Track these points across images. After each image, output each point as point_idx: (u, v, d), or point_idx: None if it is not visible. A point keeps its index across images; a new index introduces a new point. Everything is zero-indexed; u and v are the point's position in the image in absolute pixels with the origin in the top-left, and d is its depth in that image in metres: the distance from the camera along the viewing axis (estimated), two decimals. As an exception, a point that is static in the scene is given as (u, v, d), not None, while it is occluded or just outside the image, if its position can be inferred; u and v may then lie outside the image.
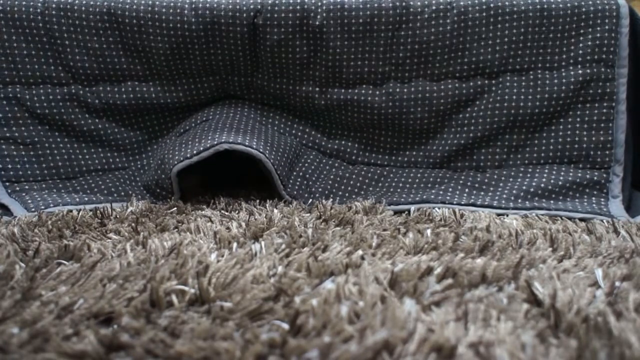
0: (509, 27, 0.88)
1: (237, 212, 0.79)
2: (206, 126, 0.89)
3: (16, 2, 0.89)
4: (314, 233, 0.63)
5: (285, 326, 0.37)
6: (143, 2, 0.89)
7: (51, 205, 0.83)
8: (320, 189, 0.91)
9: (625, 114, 0.87)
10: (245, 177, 1.04)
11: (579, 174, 0.87)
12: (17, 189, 0.89)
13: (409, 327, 0.36)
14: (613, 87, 0.87)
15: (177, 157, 0.84)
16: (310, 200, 0.87)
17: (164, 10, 0.88)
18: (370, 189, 0.92)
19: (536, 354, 0.34)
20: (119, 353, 0.34)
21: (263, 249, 0.56)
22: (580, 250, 0.58)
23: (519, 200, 0.84)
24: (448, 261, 0.51)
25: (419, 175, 0.93)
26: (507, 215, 0.79)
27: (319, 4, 0.88)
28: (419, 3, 0.88)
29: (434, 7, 0.88)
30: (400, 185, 0.91)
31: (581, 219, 0.78)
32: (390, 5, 0.88)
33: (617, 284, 0.46)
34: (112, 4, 0.89)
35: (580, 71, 0.88)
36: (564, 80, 0.88)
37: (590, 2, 0.87)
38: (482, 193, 0.87)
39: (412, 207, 0.82)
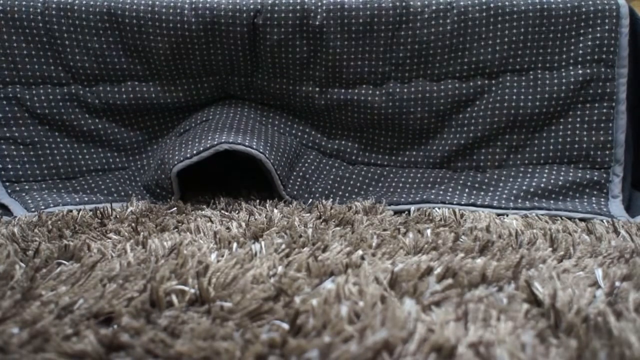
0: (509, 27, 0.88)
1: (237, 212, 0.79)
2: (206, 126, 0.89)
3: (16, 2, 0.89)
4: (314, 233, 0.63)
5: (285, 326, 0.37)
6: (143, 2, 0.89)
7: (51, 205, 0.83)
8: (320, 189, 0.90)
9: (625, 114, 0.87)
10: (245, 177, 1.04)
11: (579, 174, 0.87)
12: (17, 189, 0.89)
13: (409, 327, 0.36)
14: (613, 87, 0.87)
15: (177, 157, 0.84)
16: (310, 200, 0.87)
17: (164, 10, 0.88)
18: (370, 189, 0.92)
19: (536, 354, 0.34)
20: (119, 353, 0.34)
21: (263, 249, 0.56)
22: (580, 250, 0.58)
23: (519, 200, 0.84)
24: (448, 261, 0.51)
25: (419, 175, 0.93)
26: (507, 215, 0.79)
27: (319, 4, 0.88)
28: (419, 3, 0.88)
29: (434, 7, 0.88)
30: (400, 185, 0.91)
31: (581, 219, 0.78)
32: (390, 5, 0.88)
33: (617, 284, 0.46)
34: (112, 4, 0.89)
35: (580, 71, 0.88)
36: (564, 80, 0.88)
37: (590, 2, 0.87)
38: (482, 193, 0.87)
39: (412, 207, 0.82)
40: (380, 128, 0.95)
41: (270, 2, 0.88)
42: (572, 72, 0.88)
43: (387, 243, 0.59)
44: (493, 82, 0.90)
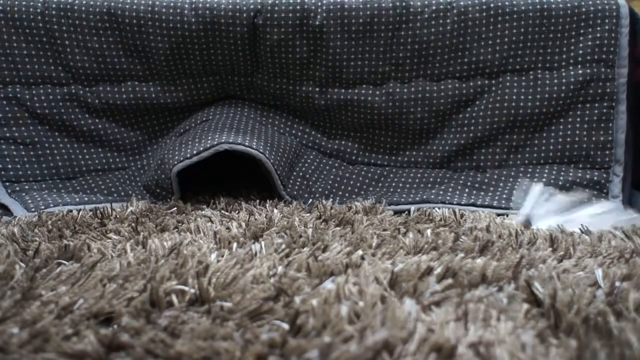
0: (509, 27, 0.88)
1: (237, 212, 0.79)
2: (206, 126, 0.89)
3: (16, 2, 0.89)
4: (314, 233, 0.63)
5: (285, 326, 0.37)
6: (143, 2, 0.89)
7: (51, 205, 0.83)
8: (320, 189, 0.90)
9: (625, 114, 0.87)
10: (245, 177, 1.04)
11: (579, 174, 0.87)
12: (17, 189, 0.89)
13: (409, 327, 0.36)
14: (613, 87, 0.87)
15: (177, 157, 0.84)
16: (310, 200, 0.87)
17: (164, 10, 0.88)
18: (370, 189, 0.92)
19: (536, 354, 0.34)
20: (119, 353, 0.34)
21: (263, 249, 0.56)
22: (580, 250, 0.58)
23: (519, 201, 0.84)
24: (448, 261, 0.51)
25: (418, 175, 0.93)
26: (507, 215, 0.79)
27: (319, 4, 0.88)
28: (419, 3, 0.88)
29: (434, 7, 0.88)
30: (400, 185, 0.91)
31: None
32: (390, 5, 0.88)
33: (617, 284, 0.46)
34: (112, 4, 0.89)
35: (580, 71, 0.88)
36: (564, 81, 0.88)
37: (590, 2, 0.87)
38: (482, 193, 0.87)
39: (412, 207, 0.82)
40: (380, 128, 0.95)
41: (270, 2, 0.88)
42: (572, 72, 0.88)
43: (387, 243, 0.59)
44: (493, 82, 0.90)
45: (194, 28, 0.88)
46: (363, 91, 0.93)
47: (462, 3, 0.88)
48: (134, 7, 0.89)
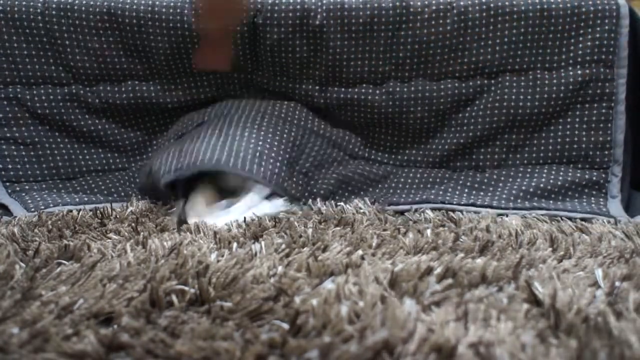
0: (508, 27, 0.88)
1: (237, 212, 0.78)
2: (197, 134, 0.86)
3: (16, 2, 0.89)
4: (314, 233, 0.63)
5: (285, 326, 0.37)
6: (143, 1, 0.89)
7: (51, 205, 0.83)
8: (322, 191, 0.90)
9: (624, 115, 0.87)
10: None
11: (578, 174, 0.87)
12: (17, 189, 0.89)
13: (409, 327, 0.36)
14: (612, 88, 0.87)
15: (162, 169, 0.81)
16: (310, 200, 0.87)
17: (164, 10, 0.88)
18: (371, 189, 0.92)
19: (536, 354, 0.34)
20: (119, 353, 0.34)
21: (263, 249, 0.56)
22: (580, 250, 0.58)
23: (519, 200, 0.84)
24: (448, 261, 0.51)
25: (418, 175, 0.93)
26: (507, 216, 0.79)
27: (319, 3, 0.88)
28: (419, 3, 0.88)
29: (434, 7, 0.88)
30: (400, 185, 0.91)
31: (582, 219, 0.78)
32: (391, 5, 0.88)
33: (617, 284, 0.46)
34: (112, 3, 0.89)
35: (580, 71, 0.88)
36: (563, 81, 0.88)
37: (590, 2, 0.87)
38: (482, 193, 0.87)
39: (412, 207, 0.82)
40: (381, 126, 0.95)
41: (270, 1, 0.88)
42: (571, 73, 0.88)
43: (387, 243, 0.59)
44: (492, 82, 0.90)
45: (193, 27, 0.88)
46: (363, 90, 0.93)
47: (462, 3, 0.88)
48: (134, 6, 0.89)
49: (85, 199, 0.87)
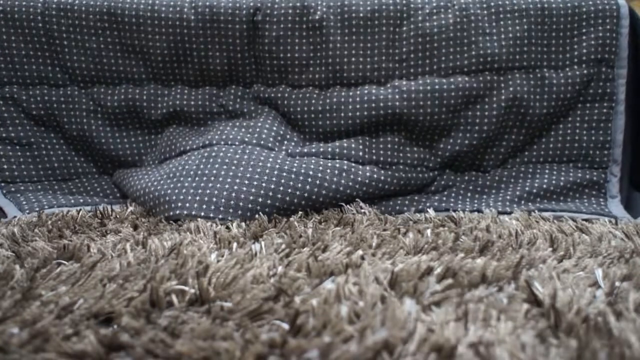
0: (511, 24, 0.87)
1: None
2: (179, 168, 0.82)
3: (16, 2, 0.89)
4: (314, 233, 0.63)
5: (285, 326, 0.37)
6: (143, 0, 0.89)
7: (46, 206, 0.83)
8: None
9: (623, 115, 0.87)
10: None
11: (579, 174, 0.87)
12: (12, 189, 0.88)
13: (409, 327, 0.36)
14: (613, 88, 0.87)
15: (141, 199, 0.80)
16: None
17: (163, 8, 0.88)
18: (371, 189, 0.91)
19: (536, 354, 0.34)
20: (119, 353, 0.34)
21: (263, 249, 0.56)
22: (580, 250, 0.58)
23: (523, 202, 0.84)
24: (448, 261, 0.51)
25: (420, 177, 0.91)
26: (510, 214, 0.79)
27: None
28: None
29: (434, 3, 0.88)
30: (403, 192, 0.90)
31: (584, 220, 0.77)
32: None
33: (617, 284, 0.46)
34: (112, 3, 0.89)
35: (584, 71, 0.87)
36: (569, 80, 0.87)
37: (591, 2, 0.87)
38: (485, 197, 0.86)
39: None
40: (385, 125, 0.94)
41: None
42: (577, 72, 0.87)
43: (387, 243, 0.59)
44: (502, 78, 0.88)
45: (193, 26, 0.88)
46: (366, 89, 0.91)
47: (462, 0, 0.88)
48: (134, 5, 0.89)
49: (81, 200, 0.87)
